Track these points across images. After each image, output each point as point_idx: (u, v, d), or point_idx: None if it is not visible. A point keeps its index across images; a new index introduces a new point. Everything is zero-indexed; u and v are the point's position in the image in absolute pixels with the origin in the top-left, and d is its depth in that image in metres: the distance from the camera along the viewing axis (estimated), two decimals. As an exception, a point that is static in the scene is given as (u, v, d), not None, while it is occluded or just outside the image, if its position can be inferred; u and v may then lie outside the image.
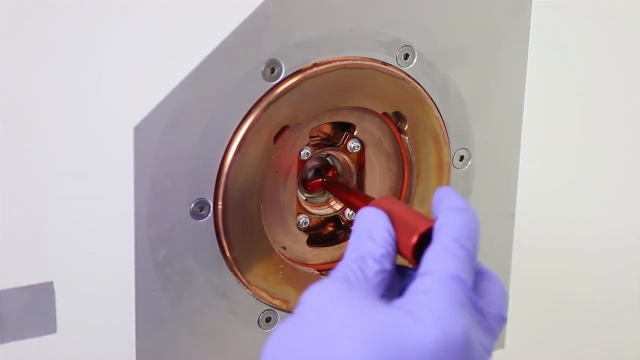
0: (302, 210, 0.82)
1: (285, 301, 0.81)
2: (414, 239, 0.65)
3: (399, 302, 0.61)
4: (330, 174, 0.83)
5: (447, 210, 0.65)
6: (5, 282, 0.71)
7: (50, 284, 0.72)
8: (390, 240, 0.66)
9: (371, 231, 0.66)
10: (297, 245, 0.82)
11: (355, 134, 0.82)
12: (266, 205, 0.79)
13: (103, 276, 0.74)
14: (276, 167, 0.79)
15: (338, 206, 0.84)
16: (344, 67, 0.78)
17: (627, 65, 0.93)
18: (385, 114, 0.82)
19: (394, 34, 0.80)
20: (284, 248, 0.81)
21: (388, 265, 0.64)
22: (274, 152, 0.77)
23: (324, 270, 0.83)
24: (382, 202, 0.69)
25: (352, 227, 0.68)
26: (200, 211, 0.76)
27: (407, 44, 0.80)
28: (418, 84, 0.82)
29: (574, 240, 0.97)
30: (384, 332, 0.59)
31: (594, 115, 0.94)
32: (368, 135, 0.82)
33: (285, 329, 0.61)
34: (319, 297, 0.61)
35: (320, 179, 0.82)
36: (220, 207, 0.76)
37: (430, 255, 0.63)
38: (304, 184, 0.82)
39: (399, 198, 0.85)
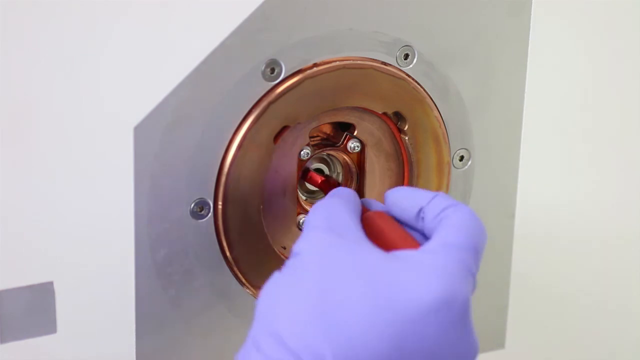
0: (302, 210, 0.82)
1: (285, 301, 0.81)
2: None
3: (400, 254, 0.61)
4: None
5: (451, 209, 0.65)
6: (5, 282, 0.71)
7: (50, 284, 0.72)
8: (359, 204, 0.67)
9: (345, 196, 0.68)
10: (297, 245, 0.82)
11: (355, 134, 0.82)
12: (266, 205, 0.79)
13: (103, 276, 0.74)
14: (276, 167, 0.79)
15: (338, 206, 0.84)
16: (344, 67, 0.78)
17: (627, 65, 0.93)
18: (385, 114, 0.82)
19: (394, 34, 0.80)
20: (284, 248, 0.81)
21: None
22: (274, 152, 0.77)
23: (324, 270, 0.83)
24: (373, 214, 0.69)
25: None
26: (200, 211, 0.76)
27: (407, 44, 0.80)
28: (418, 84, 0.82)
29: (574, 240, 0.97)
30: (383, 288, 0.58)
31: (594, 115, 0.94)
32: (368, 135, 0.82)
33: (281, 280, 0.61)
34: (315, 246, 0.61)
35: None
36: (220, 207, 0.76)
37: (444, 226, 0.63)
38: None
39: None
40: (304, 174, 0.83)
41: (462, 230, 0.63)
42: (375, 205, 0.71)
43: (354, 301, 0.58)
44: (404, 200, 0.68)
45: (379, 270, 0.59)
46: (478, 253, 0.63)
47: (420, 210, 0.66)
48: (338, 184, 0.80)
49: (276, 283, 0.61)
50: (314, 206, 0.67)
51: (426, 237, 0.66)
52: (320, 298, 0.59)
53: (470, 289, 0.60)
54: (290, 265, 0.62)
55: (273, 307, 0.60)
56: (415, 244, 0.65)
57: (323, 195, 0.83)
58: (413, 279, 0.59)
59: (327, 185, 0.79)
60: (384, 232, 0.66)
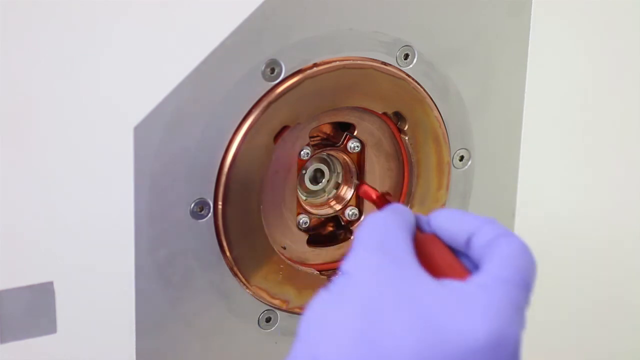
0: (302, 210, 0.82)
1: (285, 301, 0.81)
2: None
3: (450, 284, 0.59)
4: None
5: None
6: (5, 282, 0.71)
7: (50, 284, 0.72)
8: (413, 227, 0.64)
9: (402, 214, 0.64)
10: (297, 245, 0.82)
11: (355, 134, 0.82)
12: (266, 205, 0.79)
13: (103, 276, 0.74)
14: (276, 167, 0.79)
15: (338, 206, 0.84)
16: (344, 67, 0.78)
17: (628, 65, 0.93)
18: (385, 114, 0.82)
19: (394, 34, 0.79)
20: (284, 248, 0.81)
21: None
22: (274, 152, 0.77)
23: (324, 270, 0.83)
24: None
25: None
26: (200, 211, 0.76)
27: (407, 44, 0.80)
28: (418, 84, 0.82)
29: (575, 239, 0.97)
30: (432, 320, 0.57)
31: (594, 115, 0.94)
32: (368, 135, 0.82)
33: (328, 300, 0.59)
34: (366, 268, 0.59)
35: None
36: (220, 207, 0.76)
37: (495, 258, 0.61)
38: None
39: (399, 198, 0.85)
40: (357, 186, 0.82)
41: (514, 264, 0.60)
42: (425, 222, 0.69)
43: (400, 330, 0.56)
44: (452, 224, 0.65)
45: (429, 300, 0.58)
46: (529, 288, 0.61)
47: (469, 237, 0.64)
48: (392, 201, 0.78)
49: (322, 303, 0.59)
50: (367, 220, 0.64)
51: (475, 265, 0.64)
52: (366, 324, 0.57)
53: (521, 328, 0.58)
54: (338, 283, 0.60)
55: (317, 328, 0.58)
56: (465, 273, 0.63)
57: (328, 196, 0.84)
58: (464, 314, 0.57)
59: (383, 201, 0.77)
60: (434, 258, 0.63)
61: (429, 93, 0.82)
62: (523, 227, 0.91)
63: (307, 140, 0.80)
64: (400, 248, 0.61)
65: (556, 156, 0.93)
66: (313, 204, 0.84)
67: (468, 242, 0.64)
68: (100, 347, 0.75)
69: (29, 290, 0.72)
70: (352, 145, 0.82)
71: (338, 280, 0.60)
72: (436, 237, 0.65)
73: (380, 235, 0.62)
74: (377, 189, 0.80)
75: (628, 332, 1.04)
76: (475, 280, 0.59)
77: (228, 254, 0.77)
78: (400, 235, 0.62)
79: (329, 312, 0.58)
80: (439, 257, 0.64)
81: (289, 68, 0.76)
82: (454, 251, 0.65)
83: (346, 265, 0.60)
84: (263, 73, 0.75)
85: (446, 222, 0.65)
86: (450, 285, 0.59)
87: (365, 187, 0.78)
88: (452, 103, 0.84)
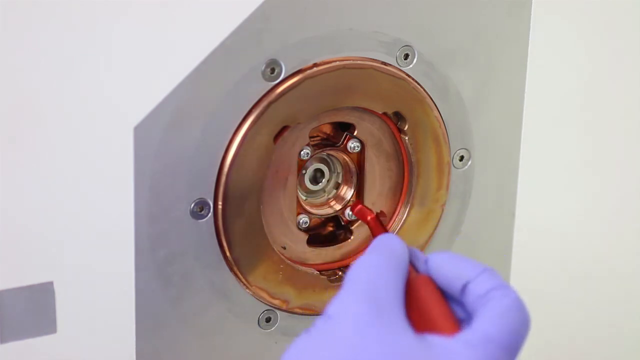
0: (302, 210, 0.82)
1: (285, 301, 0.81)
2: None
3: (435, 340, 0.58)
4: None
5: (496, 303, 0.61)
6: (5, 282, 0.71)
7: (50, 284, 0.72)
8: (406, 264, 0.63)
9: (395, 253, 0.63)
10: (297, 245, 0.82)
11: (355, 134, 0.82)
12: (266, 205, 0.79)
13: (103, 276, 0.74)
14: (276, 167, 0.79)
15: (338, 206, 0.84)
16: (344, 67, 0.78)
17: (628, 65, 0.93)
18: (385, 114, 0.82)
19: (394, 34, 0.79)
20: (284, 248, 0.81)
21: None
22: (274, 152, 0.77)
23: (324, 270, 0.83)
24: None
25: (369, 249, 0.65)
26: (200, 211, 0.76)
27: (407, 44, 0.80)
28: (418, 84, 0.82)
29: (575, 240, 0.97)
30: None
31: (594, 115, 0.94)
32: (368, 135, 0.82)
33: (307, 344, 0.58)
34: (349, 316, 0.58)
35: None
36: (220, 207, 0.76)
37: (486, 313, 0.60)
38: None
39: (399, 198, 0.85)
40: (354, 205, 0.82)
41: (506, 322, 0.59)
42: (422, 261, 0.66)
43: None
44: (449, 269, 0.64)
45: (410, 358, 0.57)
46: (518, 349, 0.60)
47: (465, 285, 0.62)
48: (386, 228, 0.77)
49: (301, 346, 0.58)
50: (359, 261, 0.63)
51: (468, 312, 0.63)
52: None
53: None
54: (319, 328, 0.59)
55: None
56: (455, 328, 0.61)
57: (327, 196, 0.83)
58: None
59: (377, 225, 0.76)
60: (426, 305, 0.62)
61: (429, 93, 0.82)
62: (523, 228, 0.91)
63: (307, 140, 0.80)
64: (390, 296, 0.60)
65: (556, 156, 0.93)
66: (313, 204, 0.84)
67: (463, 289, 0.62)
68: (100, 347, 0.75)
69: (29, 290, 0.72)
70: (352, 145, 0.82)
71: (320, 324, 0.59)
72: (430, 280, 0.64)
73: (369, 280, 0.61)
74: (379, 188, 0.80)
75: (628, 331, 1.04)
76: (462, 337, 0.59)
77: (228, 254, 0.77)
78: (391, 282, 0.61)
79: (306, 357, 0.58)
80: (430, 304, 0.63)
81: (289, 68, 0.76)
82: (448, 296, 0.64)
83: (331, 309, 0.59)
84: (263, 73, 0.75)
85: (444, 265, 0.64)
86: (434, 342, 0.58)
87: (360, 207, 0.79)
88: (452, 103, 0.84)
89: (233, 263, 0.78)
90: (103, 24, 0.70)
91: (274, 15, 0.74)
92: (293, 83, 0.76)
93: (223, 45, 0.73)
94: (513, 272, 0.91)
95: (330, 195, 0.84)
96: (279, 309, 0.81)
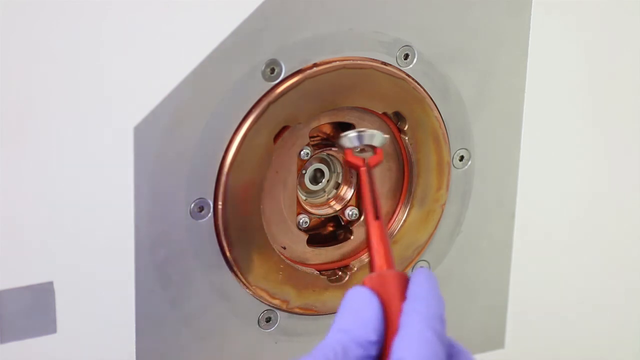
0: (302, 210, 0.82)
1: (285, 301, 0.81)
2: None
3: None
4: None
5: (411, 297, 0.64)
6: (5, 282, 0.71)
7: (50, 284, 0.72)
8: (379, 327, 0.63)
9: (362, 316, 0.64)
10: (297, 245, 0.82)
11: (355, 134, 0.82)
12: (266, 205, 0.79)
13: (103, 276, 0.74)
14: (276, 167, 0.79)
15: (338, 206, 0.84)
16: (344, 67, 0.78)
17: (628, 65, 0.93)
18: (385, 114, 0.82)
19: (394, 34, 0.80)
20: (284, 248, 0.81)
21: (374, 352, 0.63)
22: (274, 152, 0.77)
23: (324, 270, 0.83)
24: (376, 282, 0.66)
25: (342, 303, 0.65)
26: (200, 211, 0.76)
27: (407, 44, 0.80)
28: (418, 84, 0.82)
29: (575, 239, 0.97)
30: None
31: (595, 115, 0.94)
32: (368, 135, 0.82)
33: None
34: None
35: (362, 164, 0.74)
36: (220, 207, 0.76)
37: (401, 342, 0.62)
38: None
39: (399, 198, 0.85)
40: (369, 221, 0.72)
41: (428, 333, 0.62)
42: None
43: None
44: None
45: None
46: (443, 337, 0.62)
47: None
48: (380, 213, 0.71)
49: None
50: (319, 345, 0.64)
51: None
52: None
53: None
54: None
55: None
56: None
57: (327, 196, 0.83)
58: None
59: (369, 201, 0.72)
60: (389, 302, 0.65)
61: (429, 93, 0.82)
62: (523, 227, 0.91)
63: (307, 140, 0.80)
64: None
65: (556, 156, 0.93)
66: (313, 204, 0.84)
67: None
68: (100, 347, 0.75)
69: (29, 290, 0.72)
70: (352, 145, 0.82)
71: None
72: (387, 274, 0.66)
73: (328, 348, 0.62)
74: (379, 188, 0.80)
75: (628, 331, 1.04)
76: None
77: (228, 254, 0.77)
78: (350, 353, 0.62)
79: None
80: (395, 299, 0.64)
81: (289, 68, 0.76)
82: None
83: None
84: (263, 73, 0.75)
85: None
86: None
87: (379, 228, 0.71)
88: (452, 103, 0.84)
89: (233, 263, 0.78)
90: (103, 24, 0.70)
91: (274, 15, 0.74)
92: (293, 83, 0.76)
93: (223, 46, 0.73)
94: (513, 272, 0.91)
95: (330, 195, 0.84)
96: (279, 308, 0.81)
